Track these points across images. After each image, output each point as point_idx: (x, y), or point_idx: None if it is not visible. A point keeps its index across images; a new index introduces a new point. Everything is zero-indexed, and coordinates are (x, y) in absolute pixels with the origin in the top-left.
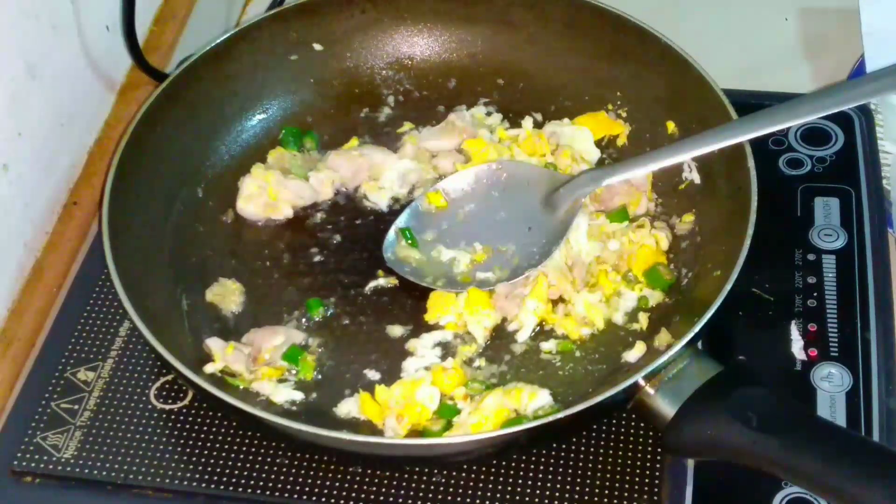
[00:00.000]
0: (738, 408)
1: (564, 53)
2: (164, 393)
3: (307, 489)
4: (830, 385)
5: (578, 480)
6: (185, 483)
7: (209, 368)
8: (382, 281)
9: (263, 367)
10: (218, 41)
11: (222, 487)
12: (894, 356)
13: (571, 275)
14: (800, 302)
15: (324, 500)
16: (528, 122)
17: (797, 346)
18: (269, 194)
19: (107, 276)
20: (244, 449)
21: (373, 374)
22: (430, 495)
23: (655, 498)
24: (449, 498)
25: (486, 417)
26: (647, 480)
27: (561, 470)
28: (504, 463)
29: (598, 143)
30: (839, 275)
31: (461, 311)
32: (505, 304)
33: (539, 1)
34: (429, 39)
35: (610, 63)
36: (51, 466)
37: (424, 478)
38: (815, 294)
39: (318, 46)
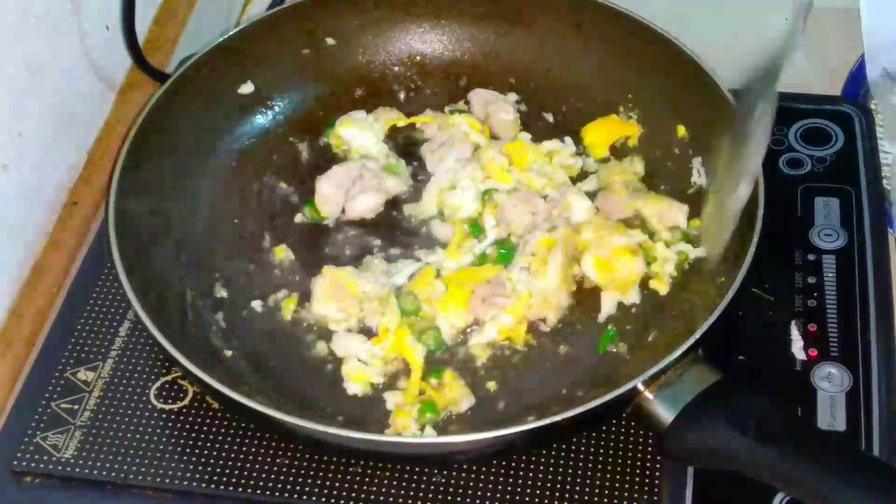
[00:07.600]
0: (736, 416)
1: (576, 54)
2: (164, 393)
3: (307, 489)
4: (830, 385)
5: (578, 480)
6: (185, 483)
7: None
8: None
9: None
10: (230, 34)
11: (222, 487)
12: (894, 356)
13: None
14: (800, 302)
15: (324, 500)
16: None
17: (797, 346)
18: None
19: (107, 275)
20: (244, 449)
21: None
22: (430, 495)
23: (655, 499)
24: (449, 498)
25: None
26: (647, 481)
27: (561, 470)
28: (504, 463)
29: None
30: (839, 275)
31: (437, 298)
32: (480, 307)
33: (551, 0)
34: (441, 36)
35: (621, 65)
36: (51, 466)
37: (424, 478)
38: (815, 294)
39: (330, 41)
